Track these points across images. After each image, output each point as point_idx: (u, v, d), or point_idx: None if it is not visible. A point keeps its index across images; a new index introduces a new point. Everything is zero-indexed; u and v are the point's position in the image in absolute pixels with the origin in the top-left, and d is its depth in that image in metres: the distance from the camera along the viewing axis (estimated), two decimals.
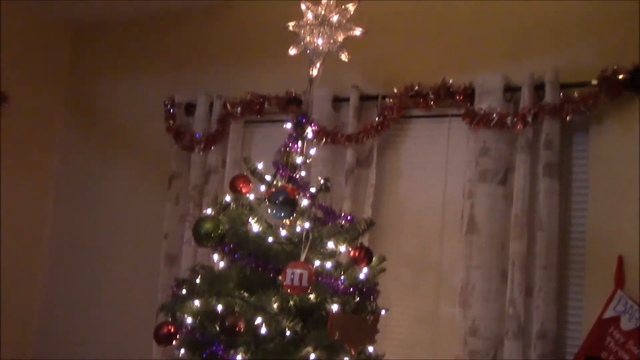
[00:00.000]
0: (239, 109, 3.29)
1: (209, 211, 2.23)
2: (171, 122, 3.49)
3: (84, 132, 4.05)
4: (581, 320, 2.58)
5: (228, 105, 3.31)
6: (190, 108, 3.51)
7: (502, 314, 2.61)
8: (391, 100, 2.96)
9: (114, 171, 3.86)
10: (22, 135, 3.90)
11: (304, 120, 2.37)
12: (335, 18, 2.37)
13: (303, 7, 2.41)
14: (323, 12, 2.38)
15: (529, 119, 2.64)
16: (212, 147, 3.35)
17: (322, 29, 2.38)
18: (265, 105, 3.26)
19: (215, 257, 2.23)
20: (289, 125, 2.38)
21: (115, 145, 3.90)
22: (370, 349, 2.22)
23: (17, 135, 3.86)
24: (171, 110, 3.51)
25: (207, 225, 2.10)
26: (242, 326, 1.92)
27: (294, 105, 3.18)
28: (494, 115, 2.71)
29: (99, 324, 3.73)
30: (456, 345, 2.67)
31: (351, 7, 2.36)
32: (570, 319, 2.62)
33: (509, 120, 2.68)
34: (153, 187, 3.65)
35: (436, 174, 2.95)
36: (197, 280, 2.17)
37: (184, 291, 2.19)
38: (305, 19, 2.40)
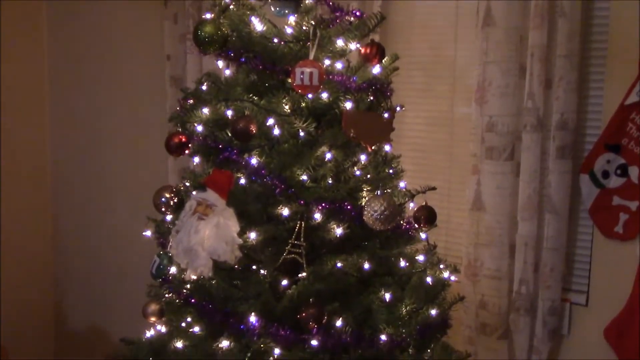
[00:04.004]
0: None
1: (208, 15, 2.09)
2: None
3: None
4: (602, 110, 2.51)
5: None
6: None
7: (520, 109, 2.53)
8: None
9: None
10: None
11: None
12: None
13: None
14: None
15: None
16: None
17: None
18: None
19: (221, 64, 2.13)
20: None
21: None
22: (387, 148, 2.18)
23: None
24: None
25: (207, 29, 1.95)
26: (254, 128, 1.86)
27: None
28: None
29: (111, 152, 3.76)
30: (472, 143, 2.63)
31: None
32: (590, 108, 2.54)
33: None
34: (149, 7, 3.46)
35: None
36: (204, 88, 2.09)
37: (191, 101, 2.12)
38: None
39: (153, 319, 2.15)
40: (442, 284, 2.16)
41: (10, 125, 3.76)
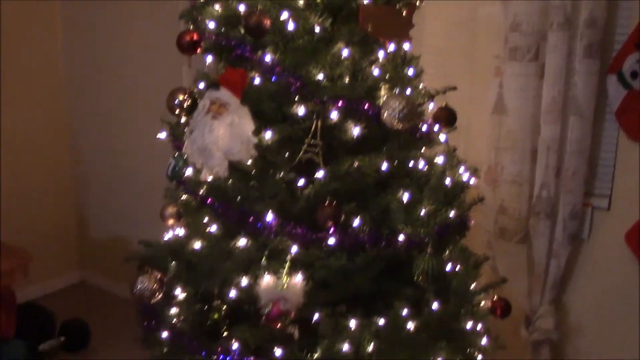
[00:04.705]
0: None
1: None
2: None
3: None
4: (633, 6, 2.38)
5: None
6: None
7: (546, 6, 2.40)
8: None
9: None
10: None
11: None
12: None
13: None
14: None
15: None
16: None
17: None
18: None
19: None
20: None
21: None
22: (406, 46, 2.10)
23: None
24: None
25: None
26: (267, 23, 1.79)
27: None
28: None
29: (125, 59, 3.72)
30: (495, 44, 2.53)
31: None
32: (621, 4, 2.42)
33: None
34: None
35: None
36: None
37: None
38: None
39: (171, 221, 2.16)
40: (462, 186, 2.12)
41: (22, 33, 3.72)
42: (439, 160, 2.12)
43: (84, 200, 4.18)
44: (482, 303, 2.19)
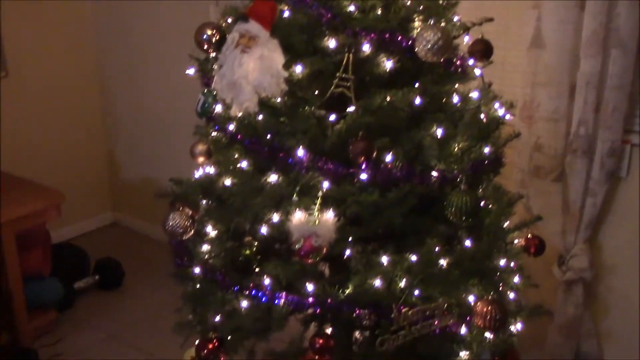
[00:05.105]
0: None
1: None
2: None
3: None
4: None
5: None
6: None
7: None
8: None
9: None
10: None
11: None
12: None
13: None
14: None
15: None
16: None
17: None
18: None
19: None
20: None
21: None
22: None
23: None
24: None
25: None
26: None
27: None
28: None
29: None
30: None
31: None
32: None
33: None
34: None
35: None
36: None
37: None
38: None
39: (201, 159, 2.15)
40: (497, 122, 2.06)
41: None
42: (474, 95, 2.06)
43: (115, 142, 4.20)
44: (516, 241, 2.16)
